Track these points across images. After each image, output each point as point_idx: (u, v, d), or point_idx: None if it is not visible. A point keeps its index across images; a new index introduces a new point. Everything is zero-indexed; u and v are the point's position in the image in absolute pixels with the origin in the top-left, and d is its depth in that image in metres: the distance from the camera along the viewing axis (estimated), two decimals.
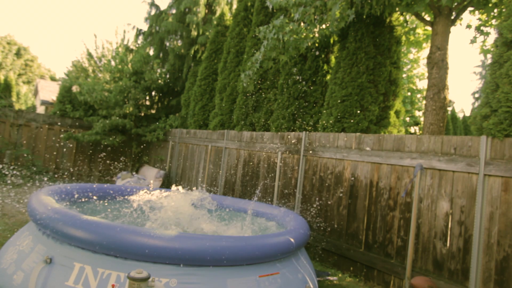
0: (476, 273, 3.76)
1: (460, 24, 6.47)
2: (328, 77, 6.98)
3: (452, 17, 5.74)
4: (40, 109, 22.84)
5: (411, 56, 15.56)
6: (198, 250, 2.92)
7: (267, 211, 5.20)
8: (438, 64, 5.59)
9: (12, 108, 10.88)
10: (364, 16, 6.05)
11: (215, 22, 10.72)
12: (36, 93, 30.93)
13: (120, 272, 2.81)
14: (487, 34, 6.61)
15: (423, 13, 6.23)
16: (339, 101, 5.94)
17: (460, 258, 3.96)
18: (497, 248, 3.66)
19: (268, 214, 5.16)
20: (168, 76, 13.07)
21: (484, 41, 6.82)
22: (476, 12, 6.33)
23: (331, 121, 5.94)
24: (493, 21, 6.40)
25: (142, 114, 12.09)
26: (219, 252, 2.96)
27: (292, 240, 3.55)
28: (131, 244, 2.84)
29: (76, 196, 4.75)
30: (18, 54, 36.44)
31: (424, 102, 15.58)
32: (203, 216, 4.62)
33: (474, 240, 3.83)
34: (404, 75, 15.18)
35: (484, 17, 6.48)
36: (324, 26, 5.92)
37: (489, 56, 7.88)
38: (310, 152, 6.01)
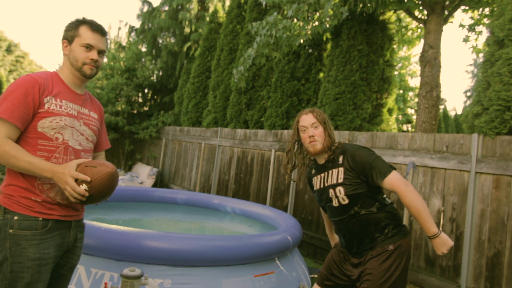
0: (467, 269, 3.81)
1: (452, 22, 6.52)
2: (321, 74, 6.99)
3: (445, 16, 5.77)
4: None
5: (402, 53, 15.64)
6: (192, 250, 2.92)
7: (257, 211, 5.20)
8: (430, 63, 5.62)
9: None
10: (357, 14, 6.07)
11: (208, 19, 10.68)
12: None
13: (114, 273, 2.80)
14: (479, 33, 6.66)
15: (416, 12, 6.26)
16: (332, 99, 5.95)
17: (451, 255, 4.00)
18: (488, 245, 3.71)
19: (258, 214, 5.16)
20: (161, 73, 13.02)
21: (476, 40, 6.87)
22: (469, 10, 6.38)
23: None
24: (485, 20, 6.45)
25: (135, 112, 12.02)
26: (214, 252, 2.96)
27: (289, 238, 3.56)
28: (124, 246, 2.83)
29: None
30: (8, 50, 35.99)
31: (416, 100, 15.67)
32: None
33: (465, 237, 3.87)
34: (395, 73, 15.26)
35: (476, 15, 6.53)
36: (317, 23, 5.92)
37: (481, 54, 7.96)
38: None
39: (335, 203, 2.33)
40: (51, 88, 1.77)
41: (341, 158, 2.35)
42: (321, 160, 2.45)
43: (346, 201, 2.28)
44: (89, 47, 1.83)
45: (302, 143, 2.46)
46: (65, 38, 1.86)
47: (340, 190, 2.28)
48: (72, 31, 1.84)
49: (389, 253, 2.21)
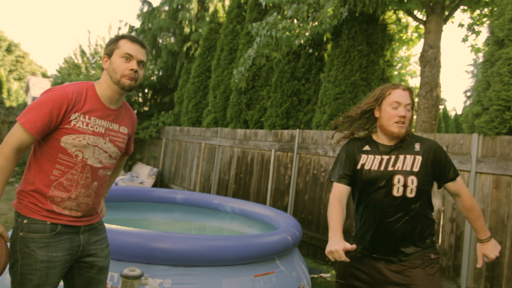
0: (467, 269, 3.81)
1: (452, 22, 6.52)
2: (322, 74, 6.99)
3: (445, 16, 5.77)
4: None
5: (401, 53, 15.62)
6: (192, 250, 2.92)
7: (257, 211, 5.20)
8: (430, 63, 5.62)
9: (2, 105, 10.76)
10: (357, 14, 6.06)
11: (208, 19, 10.68)
12: (27, 90, 30.63)
13: (114, 273, 2.80)
14: (478, 33, 6.66)
15: (415, 12, 6.25)
16: (332, 99, 5.95)
17: (451, 255, 4.00)
18: None
19: (258, 214, 5.16)
20: (161, 73, 13.01)
21: (475, 40, 6.87)
22: (468, 10, 6.38)
23: (324, 119, 5.96)
24: (485, 20, 6.45)
25: (135, 112, 12.02)
26: (214, 252, 2.96)
27: (289, 238, 3.56)
28: (124, 246, 2.83)
29: None
30: (8, 50, 35.99)
31: (416, 99, 15.65)
32: None
33: (465, 237, 3.87)
34: (395, 73, 15.25)
35: (475, 15, 6.53)
36: (317, 23, 5.93)
37: (480, 54, 7.95)
38: (304, 149, 6.03)
39: (397, 192, 2.00)
40: (82, 104, 1.77)
41: (417, 146, 2.06)
42: (387, 141, 2.11)
43: (413, 195, 1.99)
44: (128, 57, 1.82)
45: (381, 118, 2.09)
46: (105, 53, 1.87)
47: (413, 180, 1.99)
48: (111, 45, 1.85)
49: (434, 263, 2.04)
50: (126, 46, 1.82)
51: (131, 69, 1.81)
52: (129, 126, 2.03)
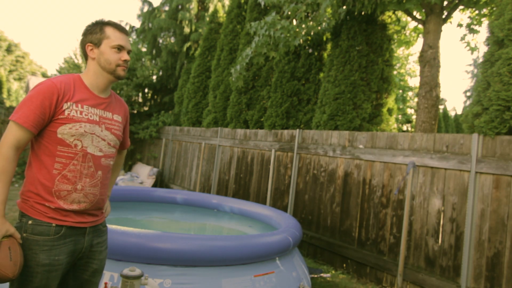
0: (467, 269, 3.81)
1: (451, 22, 6.52)
2: (321, 74, 6.99)
3: (444, 16, 5.78)
4: None
5: (400, 53, 15.63)
6: (192, 250, 2.92)
7: (257, 211, 5.20)
8: (430, 62, 5.62)
9: (2, 105, 10.75)
10: (356, 14, 6.06)
11: (208, 19, 10.68)
12: (27, 90, 30.62)
13: (114, 273, 2.80)
14: (476, 32, 6.66)
15: (414, 12, 6.26)
16: (332, 98, 5.95)
17: (451, 254, 4.00)
18: (488, 245, 3.71)
19: (258, 214, 5.16)
20: (161, 73, 13.02)
21: (473, 39, 6.86)
22: (465, 10, 6.38)
23: (324, 119, 5.96)
24: (483, 20, 6.44)
25: (135, 112, 12.02)
26: (214, 252, 2.96)
27: (289, 238, 3.56)
28: (124, 246, 2.82)
29: None
30: (8, 50, 35.98)
31: (415, 99, 15.68)
32: None
33: (465, 237, 3.87)
34: (394, 72, 15.25)
35: (474, 15, 6.53)
36: (315, 23, 5.93)
37: (476, 53, 7.95)
38: (304, 149, 6.03)
39: None
40: (72, 94, 1.75)
41: None
42: None
43: None
44: (120, 48, 1.83)
45: None
46: (89, 41, 1.83)
47: None
48: (97, 34, 1.82)
49: None
50: (115, 36, 1.83)
51: (124, 60, 1.84)
52: (122, 114, 2.01)
